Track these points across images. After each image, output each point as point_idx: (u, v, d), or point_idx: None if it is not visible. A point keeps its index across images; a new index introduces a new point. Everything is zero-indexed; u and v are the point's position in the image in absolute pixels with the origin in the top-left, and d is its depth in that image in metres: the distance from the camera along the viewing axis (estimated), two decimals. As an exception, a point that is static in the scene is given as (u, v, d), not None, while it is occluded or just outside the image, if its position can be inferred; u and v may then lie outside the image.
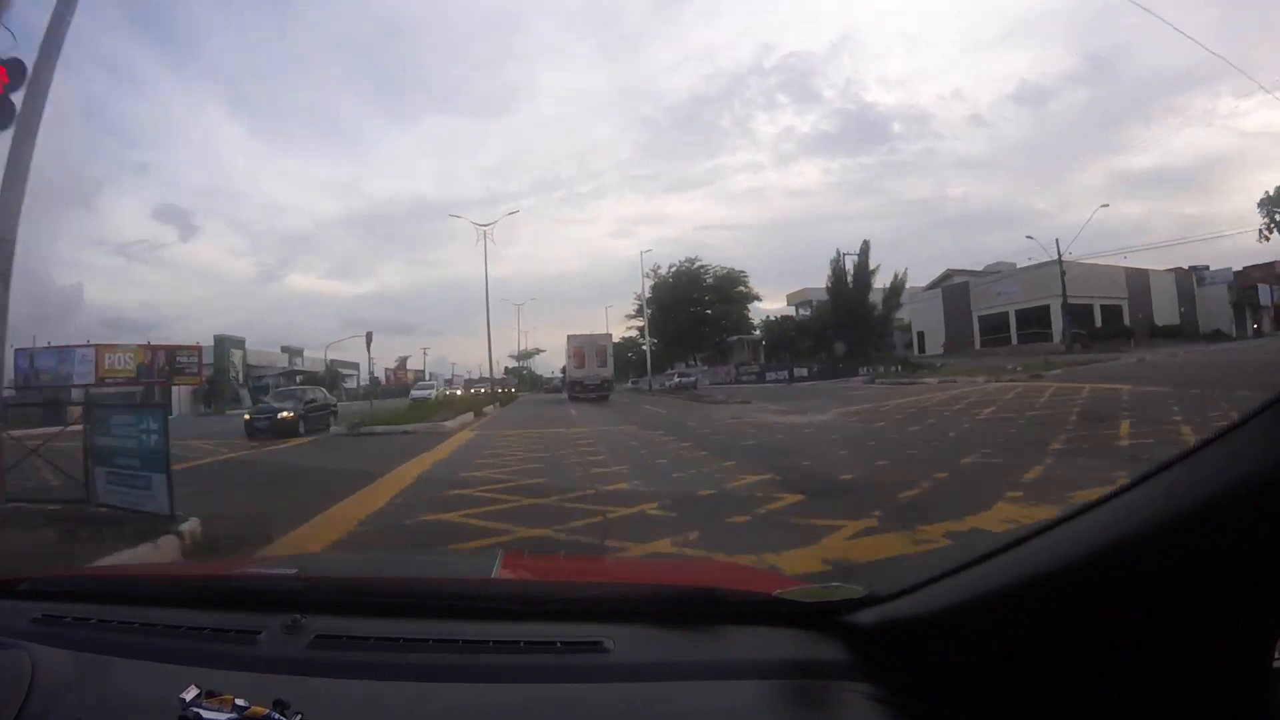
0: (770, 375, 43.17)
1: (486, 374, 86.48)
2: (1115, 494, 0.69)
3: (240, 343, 53.76)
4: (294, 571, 1.24)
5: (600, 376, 31.75)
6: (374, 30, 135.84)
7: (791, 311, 60.97)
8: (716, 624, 1.03)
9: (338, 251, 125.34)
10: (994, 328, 46.01)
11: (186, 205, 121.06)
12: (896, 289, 45.87)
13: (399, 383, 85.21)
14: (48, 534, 4.84)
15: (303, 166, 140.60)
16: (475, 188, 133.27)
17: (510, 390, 61.36)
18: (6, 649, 0.99)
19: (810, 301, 58.66)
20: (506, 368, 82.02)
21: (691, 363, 62.27)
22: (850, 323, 44.91)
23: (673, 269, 58.14)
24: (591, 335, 34.29)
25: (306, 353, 63.94)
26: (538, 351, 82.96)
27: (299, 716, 0.79)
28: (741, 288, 57.36)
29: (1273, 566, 0.58)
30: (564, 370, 43.32)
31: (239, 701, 0.78)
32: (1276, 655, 0.62)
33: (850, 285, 45.78)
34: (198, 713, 0.77)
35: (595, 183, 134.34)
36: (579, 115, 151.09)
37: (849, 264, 45.87)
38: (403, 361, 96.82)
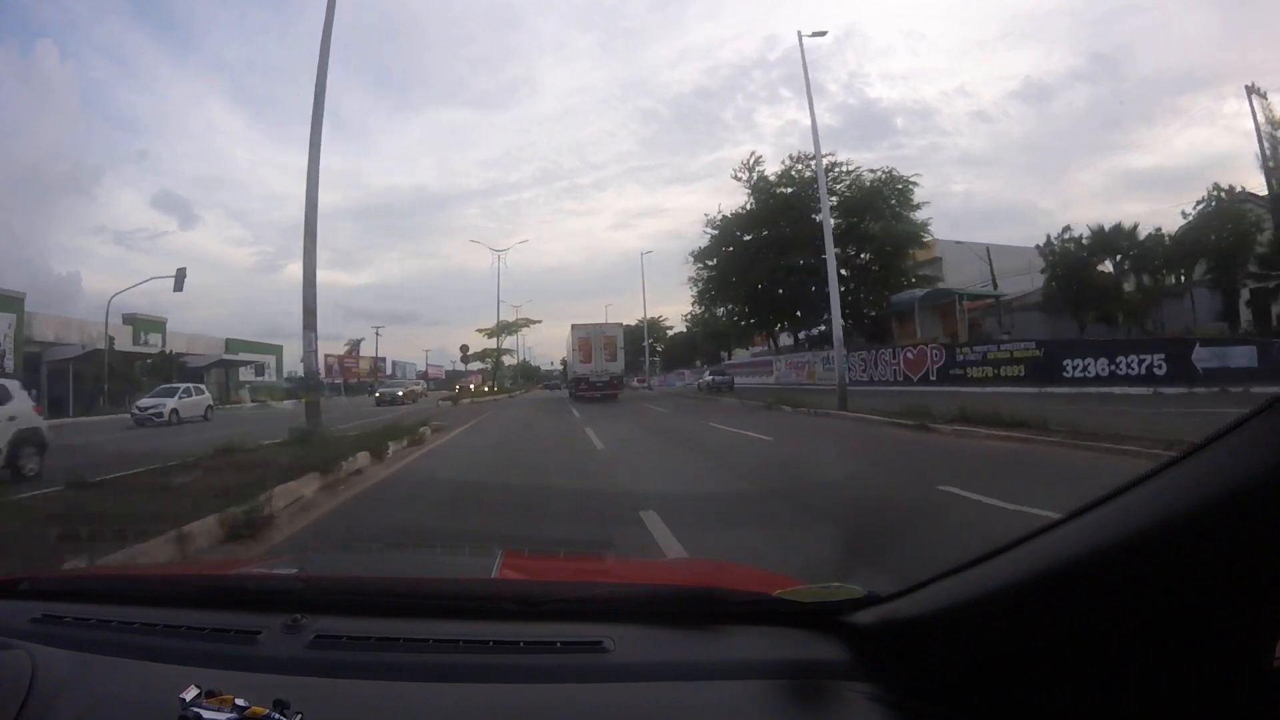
0: (1097, 368, 18.15)
1: (442, 367, 59.93)
2: (1116, 494, 0.68)
3: (16, 302, 29.80)
4: (294, 571, 1.25)
5: (609, 373, 27.12)
6: (377, 22, 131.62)
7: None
8: (716, 624, 1.03)
9: (337, 242, 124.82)
10: None
11: (186, 194, 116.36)
12: None
13: (351, 377, 60.65)
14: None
15: (303, 157, 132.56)
16: (476, 179, 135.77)
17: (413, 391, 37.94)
18: (6, 649, 0.98)
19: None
20: (464, 347, 50.87)
21: (792, 339, 37.79)
22: None
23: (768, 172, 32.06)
24: (600, 325, 29.06)
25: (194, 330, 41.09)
26: (527, 323, 52.88)
27: (299, 716, 0.79)
28: (904, 208, 30.27)
29: (1273, 566, 0.57)
30: (564, 363, 37.34)
31: (239, 701, 0.78)
32: (1277, 655, 0.62)
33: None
34: (198, 713, 0.76)
35: (597, 174, 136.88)
36: (581, 108, 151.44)
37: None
38: (355, 346, 72.67)
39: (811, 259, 32.19)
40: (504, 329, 48.54)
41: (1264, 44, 60.69)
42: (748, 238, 33.08)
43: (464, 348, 43.35)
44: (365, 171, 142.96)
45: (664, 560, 3.13)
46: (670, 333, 69.71)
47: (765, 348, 47.08)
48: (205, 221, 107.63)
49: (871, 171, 30.71)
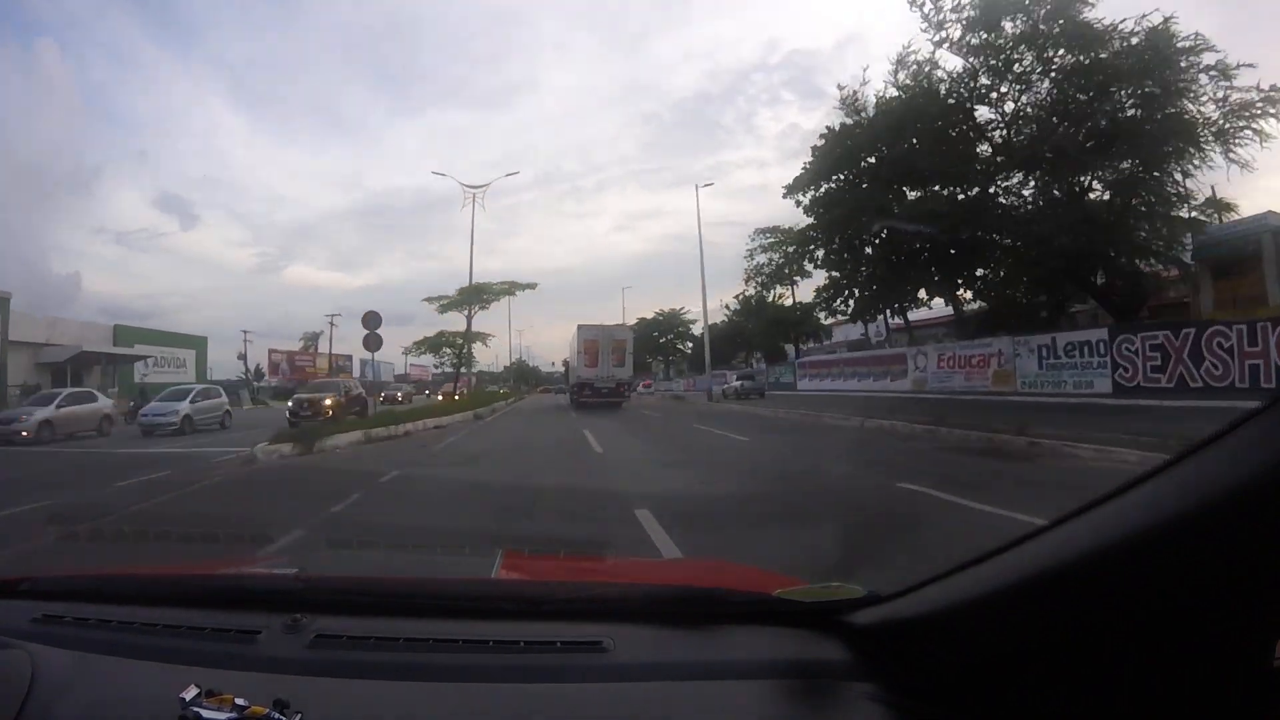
0: None
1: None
2: (1115, 494, 0.68)
3: None
4: (294, 571, 1.23)
5: (615, 378, 25.17)
6: (378, 22, 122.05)
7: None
8: (716, 624, 1.03)
9: (338, 243, 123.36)
10: None
11: (187, 194, 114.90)
12: None
13: (306, 377, 47.08)
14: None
15: (305, 158, 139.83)
16: (477, 180, 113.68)
17: None
18: (6, 649, 0.98)
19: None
20: (370, 317, 14.86)
21: (948, 316, 25.95)
22: None
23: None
24: (609, 327, 26.71)
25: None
26: (511, 290, 31.81)
27: (299, 716, 0.79)
28: (1186, 82, 15.20)
29: (1273, 566, 0.57)
30: (565, 364, 32.48)
31: (239, 701, 0.78)
32: (1277, 655, 0.61)
33: None
34: (198, 712, 0.76)
35: (598, 176, 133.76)
36: (583, 110, 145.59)
37: None
38: (312, 341, 59.51)
39: (986, 189, 19.22)
40: (476, 293, 29.05)
41: (1264, 44, 59.39)
42: (878, 156, 20.20)
43: (369, 318, 15.26)
44: (366, 173, 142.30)
45: (663, 560, 3.04)
46: (694, 326, 57.11)
47: (889, 320, 33.54)
48: (206, 221, 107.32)
49: (1106, 26, 16.18)
